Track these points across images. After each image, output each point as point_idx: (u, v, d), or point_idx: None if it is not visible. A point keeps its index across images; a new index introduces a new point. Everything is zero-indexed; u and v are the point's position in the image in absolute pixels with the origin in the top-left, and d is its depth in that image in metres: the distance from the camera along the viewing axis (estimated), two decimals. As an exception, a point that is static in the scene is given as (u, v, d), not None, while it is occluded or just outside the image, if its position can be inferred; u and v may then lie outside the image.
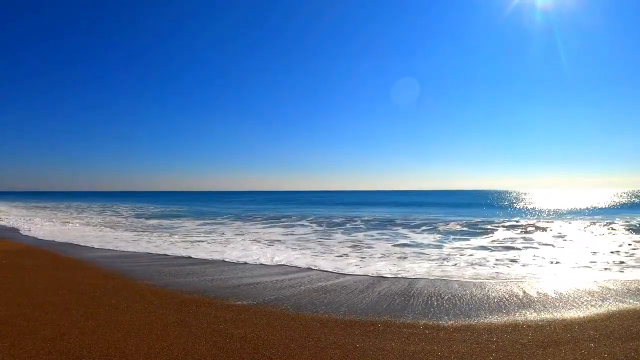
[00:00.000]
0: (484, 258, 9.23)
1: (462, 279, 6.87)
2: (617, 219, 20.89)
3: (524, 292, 5.90)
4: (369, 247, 11.14)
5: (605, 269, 7.84)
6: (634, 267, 8.01)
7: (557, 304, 5.26)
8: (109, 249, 10.83)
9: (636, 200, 52.55)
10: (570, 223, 18.88)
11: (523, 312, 4.93)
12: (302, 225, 18.64)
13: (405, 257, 9.32)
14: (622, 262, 8.53)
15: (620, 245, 11.24)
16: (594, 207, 33.70)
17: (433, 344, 3.83)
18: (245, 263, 8.70)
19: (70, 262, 8.57)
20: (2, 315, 4.61)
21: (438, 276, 7.11)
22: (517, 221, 20.10)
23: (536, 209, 33.22)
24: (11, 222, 20.76)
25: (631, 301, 5.39)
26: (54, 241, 12.65)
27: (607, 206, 36.72)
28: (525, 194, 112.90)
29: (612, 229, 16.05)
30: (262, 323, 4.45)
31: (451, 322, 4.54)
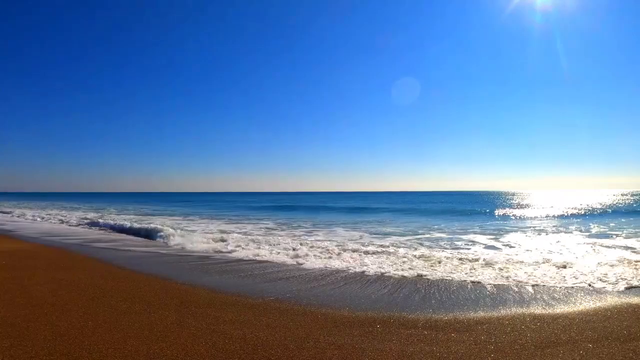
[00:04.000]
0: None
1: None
2: (591, 224, 19.96)
3: (523, 294, 5.92)
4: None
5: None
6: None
7: (555, 305, 5.28)
8: (108, 249, 10.82)
9: (629, 202, 51.58)
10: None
11: (521, 312, 4.95)
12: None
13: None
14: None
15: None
16: (572, 213, 30.11)
17: (432, 345, 3.85)
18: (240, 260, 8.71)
19: (69, 263, 8.56)
20: (1, 315, 4.61)
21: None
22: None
23: (513, 214, 29.54)
24: (8, 222, 20.73)
25: (630, 301, 5.41)
26: (53, 242, 12.63)
27: (594, 209, 34.53)
28: (518, 195, 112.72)
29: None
30: (261, 324, 4.46)
31: (450, 322, 4.56)
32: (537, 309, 5.09)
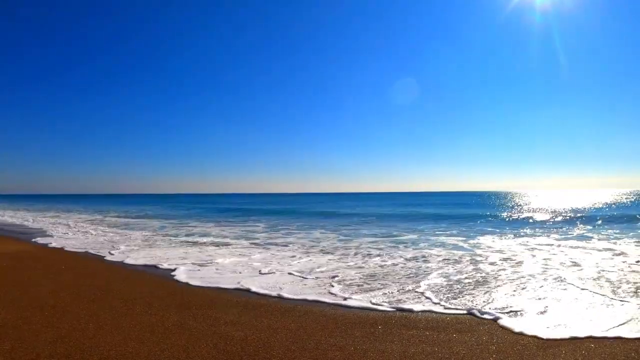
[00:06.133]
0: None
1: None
2: (578, 224, 19.39)
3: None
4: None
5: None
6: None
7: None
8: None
9: (627, 201, 50.52)
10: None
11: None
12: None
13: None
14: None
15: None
16: (564, 214, 27.59)
17: (434, 346, 3.84)
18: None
19: (70, 265, 8.56)
20: (3, 317, 4.61)
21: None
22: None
23: (507, 215, 27.71)
24: (10, 224, 20.72)
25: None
26: (53, 243, 12.63)
27: (587, 209, 32.85)
28: (519, 195, 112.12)
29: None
30: (262, 325, 4.46)
31: (452, 322, 4.55)
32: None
